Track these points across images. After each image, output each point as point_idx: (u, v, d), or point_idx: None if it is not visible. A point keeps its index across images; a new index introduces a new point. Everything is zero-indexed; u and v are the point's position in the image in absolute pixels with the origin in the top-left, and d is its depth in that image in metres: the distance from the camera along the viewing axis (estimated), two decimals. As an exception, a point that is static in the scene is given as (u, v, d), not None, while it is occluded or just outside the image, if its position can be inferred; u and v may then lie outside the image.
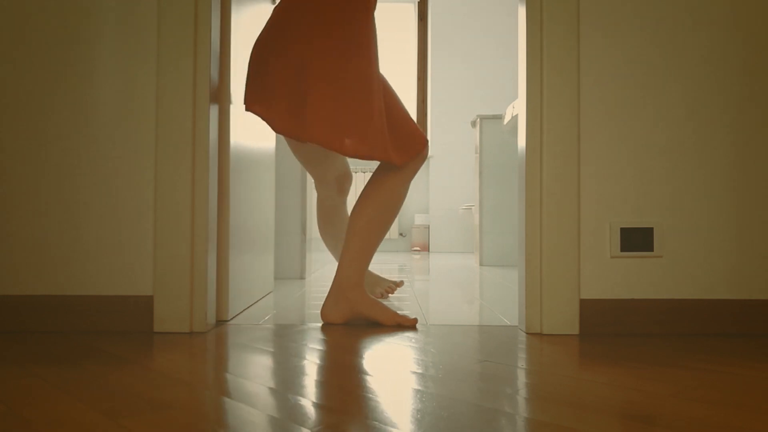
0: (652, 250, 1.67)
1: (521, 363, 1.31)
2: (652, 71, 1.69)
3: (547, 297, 1.65)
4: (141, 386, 1.10)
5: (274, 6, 2.42)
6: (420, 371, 1.22)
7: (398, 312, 1.85)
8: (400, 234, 6.51)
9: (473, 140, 6.41)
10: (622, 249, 1.67)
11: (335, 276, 1.81)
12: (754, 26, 1.68)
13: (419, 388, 1.10)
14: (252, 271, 2.16)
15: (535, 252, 1.67)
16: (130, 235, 1.67)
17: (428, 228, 6.40)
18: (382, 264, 4.43)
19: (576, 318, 1.65)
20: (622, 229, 1.67)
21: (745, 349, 1.47)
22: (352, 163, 6.32)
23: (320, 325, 1.77)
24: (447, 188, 6.40)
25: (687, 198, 1.68)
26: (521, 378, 1.18)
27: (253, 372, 1.21)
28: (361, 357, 1.35)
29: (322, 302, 2.20)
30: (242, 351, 1.41)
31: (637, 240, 1.67)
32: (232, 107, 1.88)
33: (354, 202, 6.25)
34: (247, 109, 1.77)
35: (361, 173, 6.32)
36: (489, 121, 4.27)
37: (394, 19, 6.67)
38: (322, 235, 2.30)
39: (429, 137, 6.45)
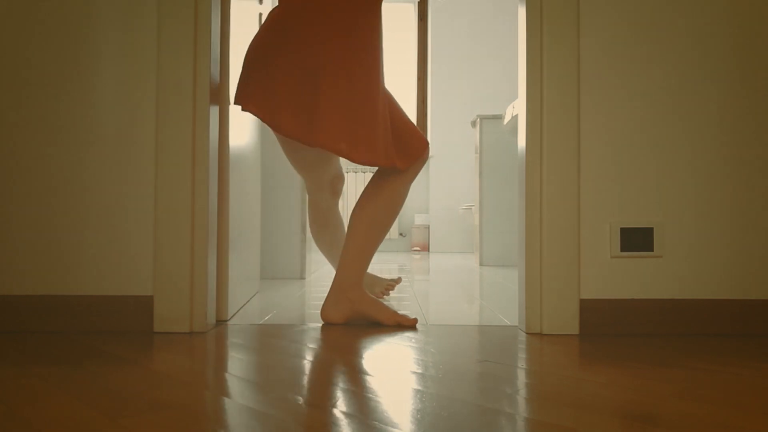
0: (652, 250, 1.67)
1: (521, 363, 1.31)
2: (653, 71, 1.69)
3: (547, 297, 1.65)
4: (141, 386, 1.10)
5: (259, 4, 2.39)
6: (420, 371, 1.22)
7: (398, 312, 1.85)
8: (400, 234, 6.51)
9: (473, 140, 6.41)
10: (622, 249, 1.67)
11: (335, 276, 1.81)
12: (754, 26, 1.68)
13: (419, 388, 1.10)
14: (243, 272, 2.15)
15: (535, 252, 1.67)
16: (130, 235, 1.67)
17: (428, 228, 6.40)
18: (382, 264, 4.43)
19: (576, 318, 1.65)
20: (622, 229, 1.67)
21: (745, 349, 1.47)
22: (344, 163, 6.32)
23: (320, 325, 1.77)
24: (447, 188, 6.40)
25: (687, 198, 1.68)
26: (521, 378, 1.18)
27: (253, 372, 1.21)
28: (361, 357, 1.35)
29: (322, 302, 2.19)
30: (242, 351, 1.41)
31: (637, 240, 1.67)
32: (231, 107, 1.88)
33: (347, 203, 6.25)
34: (243, 109, 1.75)
35: (353, 173, 6.32)
36: (489, 121, 4.27)
37: (394, 19, 6.67)
38: (316, 239, 2.25)
39: (429, 137, 6.45)
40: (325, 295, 2.30)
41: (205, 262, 1.66)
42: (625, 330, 1.66)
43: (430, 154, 6.39)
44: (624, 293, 1.67)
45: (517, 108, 3.02)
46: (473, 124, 4.56)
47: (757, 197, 1.68)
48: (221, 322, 1.82)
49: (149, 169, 1.67)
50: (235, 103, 1.77)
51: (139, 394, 1.04)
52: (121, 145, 1.68)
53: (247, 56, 1.79)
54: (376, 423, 0.90)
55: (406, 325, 1.74)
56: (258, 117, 1.76)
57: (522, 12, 1.74)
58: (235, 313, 1.98)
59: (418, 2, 6.57)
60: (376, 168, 1.88)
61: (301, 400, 1.02)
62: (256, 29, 2.36)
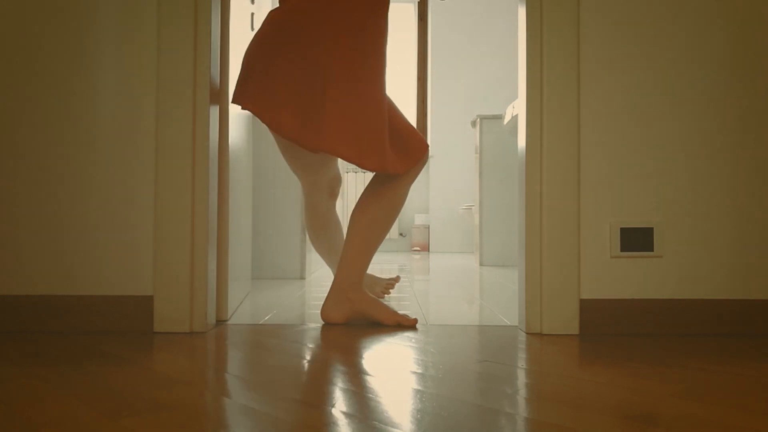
0: (652, 250, 1.67)
1: (521, 363, 1.31)
2: (653, 71, 1.69)
3: (547, 297, 1.65)
4: (141, 386, 1.10)
5: (251, 3, 2.36)
6: (420, 371, 1.22)
7: (398, 312, 1.84)
8: (400, 234, 6.51)
9: (473, 140, 6.41)
10: (622, 249, 1.67)
11: (335, 276, 1.81)
12: (753, 26, 1.68)
13: (419, 388, 1.10)
14: (237, 272, 2.15)
15: (535, 252, 1.67)
16: (130, 235, 1.67)
17: (428, 228, 6.40)
18: (382, 264, 4.43)
19: (576, 318, 1.65)
20: (622, 229, 1.67)
21: (745, 349, 1.47)
22: (343, 163, 6.32)
23: (320, 325, 1.77)
24: (447, 188, 6.40)
25: (687, 198, 1.68)
26: (521, 378, 1.18)
27: (254, 372, 1.21)
28: (361, 357, 1.35)
29: (322, 302, 2.19)
30: (242, 351, 1.41)
31: (637, 240, 1.67)
32: (231, 107, 1.88)
33: (347, 203, 6.25)
34: (243, 107, 1.75)
35: (352, 173, 6.32)
36: (489, 121, 4.27)
37: (394, 19, 6.67)
38: (314, 242, 2.22)
39: (429, 137, 6.46)
40: (325, 295, 2.30)
41: (205, 262, 1.66)
42: (625, 330, 1.66)
43: (430, 154, 6.39)
44: (624, 293, 1.67)
45: (517, 108, 3.02)
46: (473, 124, 4.56)
47: (757, 197, 1.68)
48: (221, 322, 1.82)
49: (149, 169, 1.67)
50: (233, 102, 1.77)
51: (139, 394, 1.04)
52: (121, 145, 1.68)
53: (247, 56, 1.78)
54: (376, 423, 0.90)
55: (406, 325, 1.74)
56: (258, 117, 1.75)
57: (522, 12, 1.74)
58: (233, 314, 1.98)
59: (418, 2, 6.57)
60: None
61: (301, 400, 1.02)
62: (248, 29, 2.34)
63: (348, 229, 1.84)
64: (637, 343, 1.54)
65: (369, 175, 6.31)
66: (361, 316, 1.79)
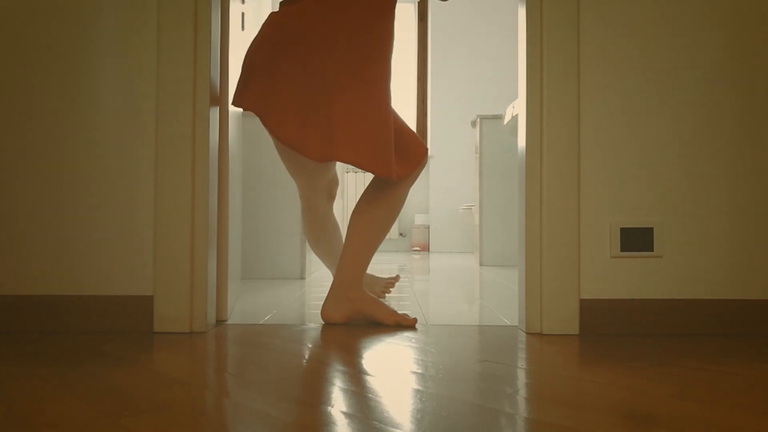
0: (652, 250, 1.67)
1: (521, 363, 1.31)
2: (653, 71, 1.69)
3: (547, 297, 1.65)
4: (141, 386, 1.10)
5: (241, 3, 2.33)
6: (420, 371, 1.22)
7: (398, 311, 1.84)
8: (400, 234, 6.52)
9: (473, 140, 6.41)
10: (622, 249, 1.67)
11: (335, 276, 1.81)
12: (752, 27, 1.68)
13: (419, 388, 1.10)
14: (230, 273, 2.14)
15: (535, 252, 1.67)
16: (130, 235, 1.67)
17: (428, 228, 6.40)
18: (382, 264, 4.43)
19: (576, 318, 1.65)
20: (622, 229, 1.67)
21: (745, 349, 1.47)
22: (341, 164, 6.32)
23: (320, 325, 1.77)
24: (447, 188, 6.40)
25: (687, 198, 1.68)
26: (521, 378, 1.18)
27: (253, 372, 1.21)
28: (361, 357, 1.35)
29: (322, 302, 2.20)
30: (242, 351, 1.41)
31: (637, 240, 1.67)
32: (231, 108, 1.88)
33: (347, 204, 6.25)
34: (246, 110, 1.75)
35: (353, 174, 6.32)
36: (489, 121, 4.27)
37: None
38: (313, 245, 2.21)
39: (429, 137, 6.46)
40: (325, 295, 2.30)
41: (205, 262, 1.66)
42: (625, 330, 1.66)
43: (430, 154, 6.40)
44: (624, 293, 1.67)
45: (517, 108, 3.02)
46: (473, 124, 4.56)
47: (757, 197, 1.68)
48: (221, 322, 1.82)
49: (149, 170, 1.67)
50: (234, 103, 1.76)
51: (139, 394, 1.04)
52: (122, 146, 1.68)
53: (248, 57, 1.77)
54: (376, 423, 0.90)
55: (405, 324, 1.74)
56: (262, 122, 1.74)
57: (522, 12, 1.74)
58: (229, 314, 1.98)
59: (418, 2, 6.57)
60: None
61: (301, 400, 1.02)
62: (239, 29, 2.33)
63: (348, 229, 1.84)
64: (636, 343, 1.54)
65: (369, 176, 6.31)
66: (361, 315, 1.79)
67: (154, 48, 1.68)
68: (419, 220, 6.41)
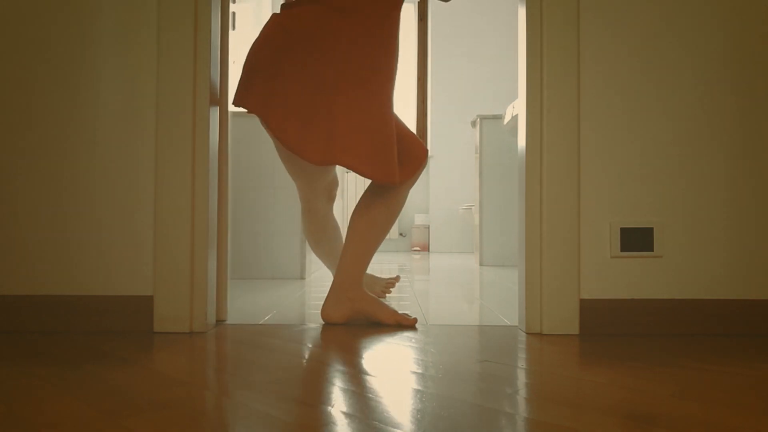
0: (652, 250, 1.67)
1: (521, 363, 1.31)
2: (653, 71, 1.69)
3: (547, 297, 1.65)
4: (141, 386, 1.10)
5: (232, 2, 2.32)
6: (420, 371, 1.22)
7: (398, 311, 1.85)
8: (400, 234, 6.52)
9: (473, 140, 6.41)
10: (622, 249, 1.67)
11: (335, 276, 1.81)
12: (751, 27, 1.68)
13: (419, 388, 1.10)
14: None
15: (535, 252, 1.67)
16: (130, 235, 1.67)
17: (428, 228, 6.40)
18: (382, 264, 4.43)
19: (576, 318, 1.65)
20: (622, 229, 1.67)
21: (745, 349, 1.47)
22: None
23: (320, 325, 1.77)
24: (447, 188, 6.40)
25: (687, 198, 1.68)
26: (521, 378, 1.18)
27: (253, 372, 1.21)
28: (361, 357, 1.35)
29: (322, 302, 2.20)
30: (242, 351, 1.41)
31: (637, 240, 1.67)
32: (231, 107, 1.88)
33: (347, 204, 6.25)
34: (249, 111, 1.74)
35: (352, 174, 6.32)
36: (489, 121, 4.27)
37: (394, 19, 6.66)
38: (314, 246, 2.20)
39: (429, 137, 6.46)
40: (325, 295, 2.30)
41: (205, 262, 1.66)
42: (625, 330, 1.66)
43: (430, 154, 6.40)
44: (624, 293, 1.67)
45: (517, 108, 3.02)
46: (473, 124, 4.56)
47: (756, 197, 1.68)
48: (221, 322, 1.82)
49: (149, 170, 1.67)
50: (236, 104, 1.76)
51: (139, 394, 1.04)
52: (122, 145, 1.68)
53: (250, 57, 1.76)
54: (376, 423, 0.90)
55: (405, 324, 1.74)
56: (264, 123, 1.73)
57: (522, 12, 1.74)
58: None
59: (418, 2, 6.57)
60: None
61: (301, 399, 1.02)
62: (229, 29, 2.33)
63: (348, 229, 1.84)
64: (636, 343, 1.54)
65: (369, 175, 6.30)
66: (361, 315, 1.79)
67: (154, 48, 1.68)
68: (419, 220, 6.41)
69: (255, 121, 3.17)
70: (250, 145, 3.17)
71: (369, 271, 3.66)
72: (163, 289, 1.65)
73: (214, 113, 1.73)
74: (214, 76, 1.72)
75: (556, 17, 1.67)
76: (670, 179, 1.68)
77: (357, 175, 6.31)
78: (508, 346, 1.48)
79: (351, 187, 6.30)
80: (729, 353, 1.42)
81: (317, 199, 2.09)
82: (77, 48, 1.68)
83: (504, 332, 1.67)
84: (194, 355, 1.37)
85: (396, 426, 0.89)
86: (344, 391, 1.08)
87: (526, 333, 1.67)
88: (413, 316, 1.82)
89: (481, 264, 4.20)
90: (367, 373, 1.20)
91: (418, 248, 6.36)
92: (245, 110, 3.15)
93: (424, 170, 6.44)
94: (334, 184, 2.12)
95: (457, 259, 5.04)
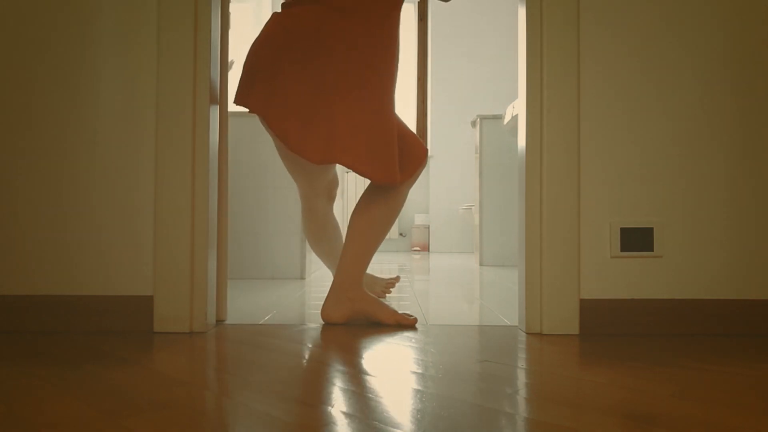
0: (652, 250, 1.67)
1: (521, 363, 1.31)
2: (653, 71, 1.69)
3: (547, 297, 1.65)
4: (141, 386, 1.10)
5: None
6: (420, 371, 1.22)
7: (398, 311, 1.84)
8: (400, 234, 6.52)
9: (473, 140, 6.41)
10: (622, 249, 1.67)
11: (335, 276, 1.81)
12: (754, 28, 1.68)
13: (419, 388, 1.10)
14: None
15: (535, 252, 1.67)
16: (130, 235, 1.67)
17: (428, 228, 6.40)
18: (382, 264, 4.43)
19: (576, 318, 1.65)
20: (622, 229, 1.67)
21: (745, 349, 1.47)
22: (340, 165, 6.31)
23: (320, 325, 1.77)
24: (447, 188, 6.40)
25: (687, 198, 1.68)
26: (521, 378, 1.18)
27: (253, 372, 1.21)
28: (361, 357, 1.35)
29: (322, 302, 2.20)
30: (242, 351, 1.41)
31: (637, 240, 1.67)
32: (231, 108, 1.87)
33: (347, 204, 6.25)
34: (250, 111, 1.74)
35: (352, 174, 6.32)
36: (489, 121, 4.27)
37: (394, 19, 6.66)
38: (314, 245, 2.20)
39: (429, 137, 6.46)
40: (325, 295, 2.30)
41: (205, 262, 1.66)
42: (625, 330, 1.66)
43: (430, 154, 6.40)
44: (624, 293, 1.67)
45: (517, 108, 3.02)
46: (473, 124, 4.56)
47: (756, 197, 1.68)
48: (220, 322, 1.82)
49: (149, 170, 1.67)
50: (237, 102, 1.76)
51: (139, 394, 1.04)
52: (122, 145, 1.68)
53: (251, 56, 1.76)
54: (376, 423, 0.90)
55: (406, 324, 1.74)
56: (265, 123, 1.74)
57: (522, 12, 1.74)
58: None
59: (418, 2, 6.57)
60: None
61: (301, 400, 1.02)
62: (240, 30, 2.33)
63: (348, 229, 1.84)
64: (636, 343, 1.54)
65: (369, 175, 6.30)
66: (361, 315, 1.79)
67: (154, 48, 1.68)
68: (419, 220, 6.41)
69: (255, 121, 3.17)
70: (250, 145, 3.17)
71: (369, 271, 3.67)
72: (163, 289, 1.65)
73: (214, 113, 1.73)
74: (214, 76, 1.72)
75: (556, 17, 1.67)
76: (670, 179, 1.68)
77: (357, 175, 6.32)
78: (508, 346, 1.48)
79: (351, 187, 6.30)
80: (729, 353, 1.42)
81: (317, 198, 2.10)
82: (77, 48, 1.68)
83: (504, 332, 1.67)
84: (194, 355, 1.37)
85: (396, 426, 0.89)
86: (344, 391, 1.08)
87: (526, 333, 1.67)
88: (413, 316, 1.82)
89: (481, 264, 4.20)
90: (367, 373, 1.20)
91: (418, 248, 6.36)
92: (246, 109, 3.15)
93: (424, 170, 6.45)
94: (334, 183, 2.12)
95: (457, 259, 5.04)
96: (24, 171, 1.67)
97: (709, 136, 1.68)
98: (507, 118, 3.92)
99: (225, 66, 1.88)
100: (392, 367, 1.26)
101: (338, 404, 1.00)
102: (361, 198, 1.86)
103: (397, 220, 6.43)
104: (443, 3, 6.39)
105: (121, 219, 1.67)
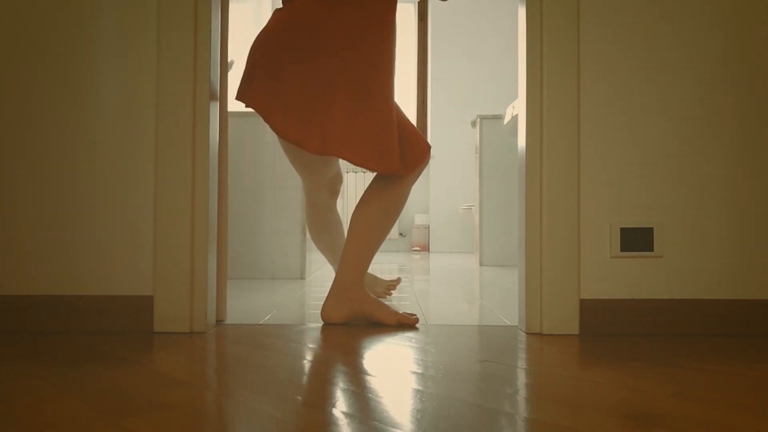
0: (652, 250, 1.67)
1: (521, 363, 1.31)
2: (653, 71, 1.69)
3: (547, 297, 1.65)
4: (141, 386, 1.10)
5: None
6: (420, 371, 1.22)
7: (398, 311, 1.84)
8: (400, 234, 6.51)
9: (473, 140, 6.41)
10: (622, 249, 1.67)
11: (336, 275, 1.81)
12: (753, 28, 1.68)
13: (419, 388, 1.10)
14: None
15: (535, 252, 1.67)
16: (130, 235, 1.67)
17: (428, 228, 6.40)
18: (382, 264, 4.43)
19: (576, 318, 1.65)
20: (622, 229, 1.67)
21: (745, 349, 1.47)
22: (343, 163, 6.32)
23: (320, 325, 1.77)
24: (447, 188, 6.40)
25: (687, 198, 1.68)
26: (521, 378, 1.18)
27: (253, 372, 1.21)
28: (361, 357, 1.35)
29: (322, 302, 2.20)
30: (242, 351, 1.41)
31: (637, 240, 1.67)
32: (231, 108, 1.87)
33: (347, 203, 6.24)
34: (250, 107, 1.75)
35: (353, 173, 6.32)
36: (489, 121, 4.27)
37: (394, 19, 6.66)
38: (315, 239, 2.23)
39: (429, 137, 6.46)
40: (325, 295, 2.30)
41: (205, 262, 1.66)
42: (625, 330, 1.66)
43: (430, 154, 6.40)
44: (624, 293, 1.67)
45: (517, 108, 3.02)
46: (473, 124, 4.56)
47: (756, 197, 1.68)
48: (220, 322, 1.82)
49: (149, 169, 1.67)
50: (238, 99, 1.76)
51: (139, 394, 1.04)
52: (122, 145, 1.68)
53: (252, 53, 1.77)
54: (377, 423, 0.90)
55: (406, 323, 1.74)
56: (265, 119, 1.74)
57: (522, 12, 1.74)
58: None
59: (418, 2, 6.57)
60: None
61: (301, 400, 1.02)
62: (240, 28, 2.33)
63: (349, 228, 1.84)
64: (636, 343, 1.54)
65: (370, 175, 6.32)
66: (361, 315, 1.79)
67: (154, 48, 1.68)
68: (419, 220, 6.41)
69: (255, 122, 3.17)
70: (250, 145, 3.17)
71: (369, 271, 3.67)
72: (163, 289, 1.65)
73: (214, 113, 1.73)
74: (214, 76, 1.72)
75: (556, 17, 1.67)
76: (670, 179, 1.68)
77: (357, 174, 6.32)
78: (508, 346, 1.48)
79: (351, 187, 6.30)
80: (729, 353, 1.42)
81: (320, 193, 2.12)
82: (77, 48, 1.68)
83: (504, 332, 1.67)
84: (194, 355, 1.37)
85: (396, 426, 0.89)
86: (344, 391, 1.08)
87: (526, 333, 1.67)
88: (415, 315, 1.82)
89: (481, 264, 4.20)
90: (367, 373, 1.20)
91: (418, 248, 6.36)
92: (246, 107, 3.16)
93: (425, 170, 6.45)
94: (337, 179, 2.14)
95: (457, 259, 5.04)
96: (24, 171, 1.67)
97: (709, 136, 1.68)
98: (507, 118, 3.91)
99: (225, 66, 1.88)
100: (392, 367, 1.26)
101: (339, 404, 1.00)
102: (361, 198, 1.86)
103: (397, 220, 6.43)
104: (443, 3, 6.39)
105: (121, 219, 1.67)
